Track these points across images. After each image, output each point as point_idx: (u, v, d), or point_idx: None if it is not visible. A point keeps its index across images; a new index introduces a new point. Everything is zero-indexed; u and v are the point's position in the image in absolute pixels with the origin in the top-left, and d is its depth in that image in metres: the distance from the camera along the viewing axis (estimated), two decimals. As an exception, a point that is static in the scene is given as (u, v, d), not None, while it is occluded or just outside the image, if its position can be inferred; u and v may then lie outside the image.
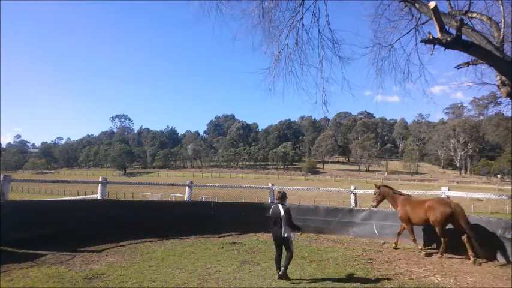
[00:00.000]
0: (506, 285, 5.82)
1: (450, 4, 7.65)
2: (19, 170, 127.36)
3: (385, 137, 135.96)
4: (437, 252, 7.98)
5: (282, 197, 6.21)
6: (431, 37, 6.39)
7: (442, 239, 7.72)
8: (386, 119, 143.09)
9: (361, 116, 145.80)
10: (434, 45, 6.72)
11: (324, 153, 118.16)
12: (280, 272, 5.83)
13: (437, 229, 7.76)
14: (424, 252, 8.03)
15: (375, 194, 9.20)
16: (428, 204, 7.98)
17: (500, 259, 7.37)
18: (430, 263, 7.24)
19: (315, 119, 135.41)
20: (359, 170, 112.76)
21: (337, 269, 6.57)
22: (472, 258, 7.25)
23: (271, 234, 6.24)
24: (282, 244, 5.99)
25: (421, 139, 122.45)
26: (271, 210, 6.16)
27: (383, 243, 9.10)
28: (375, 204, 9.17)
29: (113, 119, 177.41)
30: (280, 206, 6.08)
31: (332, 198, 41.14)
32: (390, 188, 9.20)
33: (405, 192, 9.17)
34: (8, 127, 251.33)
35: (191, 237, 9.16)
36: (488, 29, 7.70)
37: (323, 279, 5.88)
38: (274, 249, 6.09)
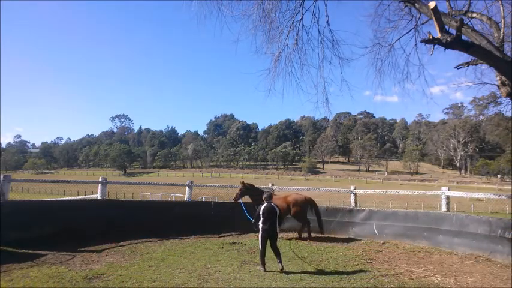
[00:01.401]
0: (506, 285, 5.82)
1: (450, 4, 7.65)
2: (19, 170, 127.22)
3: (385, 137, 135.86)
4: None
5: (271, 197, 6.73)
6: (431, 37, 6.39)
7: (303, 224, 9.51)
8: (386, 119, 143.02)
9: (361, 116, 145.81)
10: (434, 45, 6.71)
11: (324, 153, 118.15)
12: (282, 269, 6.16)
13: (298, 216, 9.47)
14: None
15: (240, 190, 9.81)
16: (290, 198, 9.57)
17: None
18: (430, 263, 7.24)
19: (315, 118, 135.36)
20: (359, 170, 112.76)
21: (337, 269, 6.58)
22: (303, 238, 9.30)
23: (260, 233, 6.42)
24: (270, 239, 6.40)
25: (421, 139, 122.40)
26: (264, 208, 6.44)
27: (383, 243, 9.11)
28: (237, 198, 9.78)
29: (113, 119, 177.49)
30: (273, 204, 6.56)
31: (332, 198, 40.96)
32: (252, 185, 10.09)
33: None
34: (8, 127, 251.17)
35: (191, 237, 9.17)
36: (488, 29, 7.69)
37: (323, 279, 5.88)
38: (260, 246, 6.41)
